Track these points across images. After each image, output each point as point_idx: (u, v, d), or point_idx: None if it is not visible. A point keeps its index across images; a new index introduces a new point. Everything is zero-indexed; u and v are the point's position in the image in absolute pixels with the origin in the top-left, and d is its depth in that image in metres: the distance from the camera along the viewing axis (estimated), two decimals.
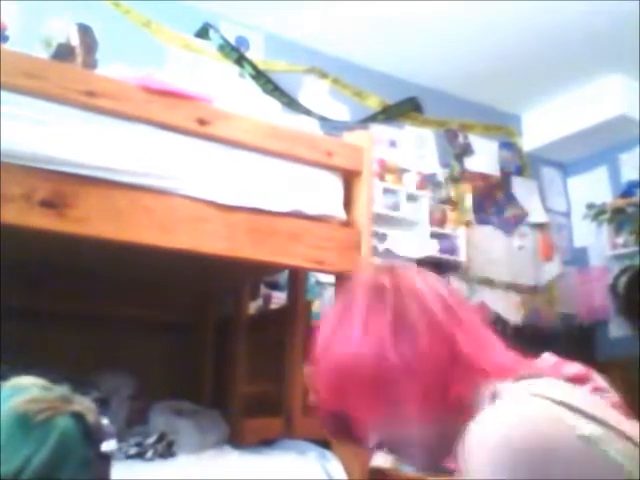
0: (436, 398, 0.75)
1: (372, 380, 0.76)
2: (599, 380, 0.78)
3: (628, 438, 0.64)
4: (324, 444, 1.66)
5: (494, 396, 0.73)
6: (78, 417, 0.88)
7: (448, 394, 0.75)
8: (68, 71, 1.40)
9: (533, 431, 0.64)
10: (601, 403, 0.72)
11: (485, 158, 3.82)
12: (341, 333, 0.80)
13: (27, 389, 0.89)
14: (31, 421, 0.83)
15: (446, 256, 3.38)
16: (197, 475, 1.49)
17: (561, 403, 0.66)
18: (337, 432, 0.89)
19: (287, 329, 2.12)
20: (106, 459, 0.91)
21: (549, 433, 0.63)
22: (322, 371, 0.81)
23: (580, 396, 0.70)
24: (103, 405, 1.76)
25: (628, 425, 0.67)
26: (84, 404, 0.91)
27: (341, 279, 1.70)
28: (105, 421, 0.94)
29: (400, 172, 3.43)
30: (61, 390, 0.91)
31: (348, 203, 1.69)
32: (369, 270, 0.90)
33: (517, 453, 0.62)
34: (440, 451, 0.80)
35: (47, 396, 0.88)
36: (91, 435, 0.88)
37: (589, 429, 0.63)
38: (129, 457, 1.61)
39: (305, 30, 3.22)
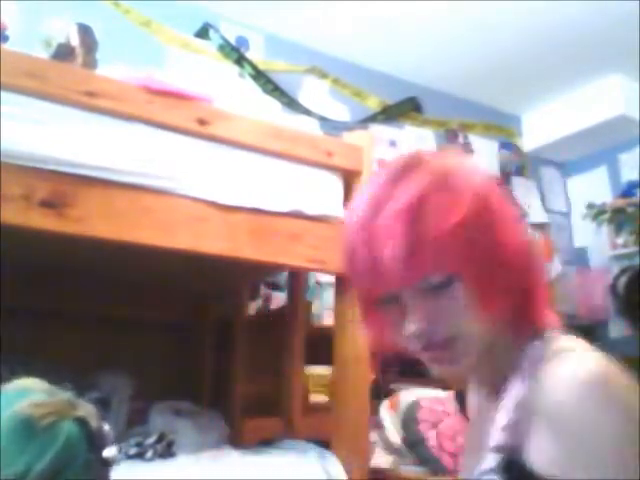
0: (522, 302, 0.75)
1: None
2: None
3: None
4: (324, 444, 1.66)
5: (545, 343, 0.74)
6: (81, 422, 0.88)
7: (522, 312, 0.75)
8: (68, 71, 1.40)
9: (624, 387, 0.65)
10: None
11: (485, 158, 3.82)
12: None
13: (32, 392, 0.89)
14: (36, 426, 0.83)
15: None
16: (197, 475, 1.49)
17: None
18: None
19: (287, 329, 2.12)
20: (107, 465, 0.92)
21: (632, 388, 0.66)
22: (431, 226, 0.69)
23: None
24: (103, 405, 1.76)
25: None
26: (87, 409, 0.91)
27: (341, 279, 1.70)
28: (106, 426, 0.94)
29: None
30: (65, 394, 0.91)
31: (348, 203, 1.69)
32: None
33: (615, 399, 0.64)
34: (480, 367, 0.77)
35: (52, 401, 0.88)
36: (93, 441, 0.89)
37: None
38: (129, 457, 1.61)
39: (305, 30, 3.22)
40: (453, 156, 0.81)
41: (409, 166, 0.75)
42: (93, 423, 0.89)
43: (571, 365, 0.68)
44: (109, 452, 0.91)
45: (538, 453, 0.66)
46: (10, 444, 0.81)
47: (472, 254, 0.70)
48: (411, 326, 0.73)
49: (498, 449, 0.70)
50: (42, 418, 0.84)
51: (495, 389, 0.78)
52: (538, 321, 0.77)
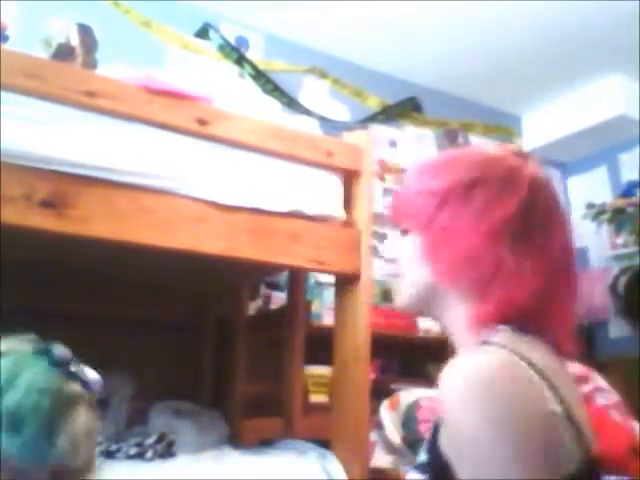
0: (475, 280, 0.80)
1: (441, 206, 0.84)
2: (599, 380, 0.79)
3: (577, 425, 0.68)
4: (324, 444, 1.66)
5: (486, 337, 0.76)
6: (33, 341, 1.02)
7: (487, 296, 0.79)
8: (68, 71, 1.40)
9: (507, 385, 0.66)
10: (573, 389, 0.75)
11: None
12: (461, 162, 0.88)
13: None
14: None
15: None
16: (197, 475, 1.49)
17: (543, 375, 0.68)
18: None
19: (287, 329, 2.12)
20: (61, 364, 1.01)
21: (525, 394, 0.66)
22: (419, 181, 0.90)
23: (559, 374, 0.73)
24: (103, 405, 1.76)
25: (584, 415, 0.72)
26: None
27: (341, 279, 1.70)
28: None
29: (400, 172, 3.43)
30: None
31: (348, 203, 1.69)
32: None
33: (492, 393, 0.65)
34: (421, 309, 0.91)
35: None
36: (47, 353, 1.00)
37: (556, 407, 0.66)
38: (129, 457, 1.61)
39: (305, 30, 3.22)
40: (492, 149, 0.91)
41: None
42: (57, 349, 1.01)
43: (468, 359, 0.71)
44: (59, 350, 1.02)
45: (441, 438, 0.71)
46: None
47: (421, 219, 0.86)
48: (384, 252, 0.98)
49: (432, 433, 0.75)
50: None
51: None
52: (501, 315, 0.78)
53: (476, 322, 0.79)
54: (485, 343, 0.74)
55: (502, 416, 0.64)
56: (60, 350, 1.02)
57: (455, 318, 0.83)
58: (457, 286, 0.83)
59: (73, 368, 1.02)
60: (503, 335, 0.75)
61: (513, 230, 0.80)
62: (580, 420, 0.69)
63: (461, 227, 0.81)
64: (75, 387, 1.00)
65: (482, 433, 0.63)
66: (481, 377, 0.66)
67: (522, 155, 0.89)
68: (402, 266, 0.92)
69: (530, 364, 0.68)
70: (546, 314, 0.80)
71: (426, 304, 0.89)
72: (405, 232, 0.91)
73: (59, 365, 0.99)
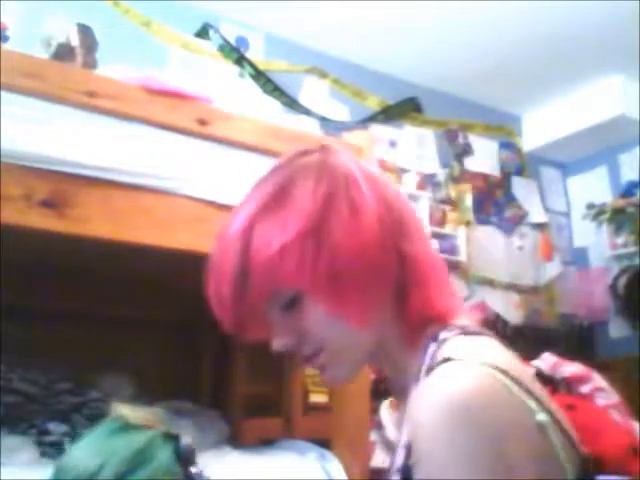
0: (384, 301, 0.72)
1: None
2: (599, 380, 0.78)
3: (563, 429, 0.63)
4: (324, 444, 1.66)
5: (439, 346, 0.69)
6: (170, 436, 1.01)
7: (405, 307, 0.72)
8: (68, 71, 1.40)
9: (493, 406, 0.59)
10: (535, 380, 0.68)
11: (485, 158, 3.82)
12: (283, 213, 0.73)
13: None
14: (123, 427, 0.97)
15: (446, 256, 3.38)
16: None
17: (518, 382, 0.62)
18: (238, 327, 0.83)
19: None
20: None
21: (510, 414, 0.60)
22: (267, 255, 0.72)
23: (525, 374, 0.67)
24: (103, 405, 1.76)
25: (560, 412, 0.66)
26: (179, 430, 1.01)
27: None
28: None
29: (400, 172, 3.44)
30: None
31: None
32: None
33: (475, 424, 0.57)
34: (360, 364, 0.77)
35: (147, 413, 1.03)
36: (182, 455, 1.00)
37: (543, 416, 0.61)
38: None
39: (305, 30, 3.22)
40: (316, 153, 0.81)
41: (261, 179, 0.81)
42: (184, 440, 0.94)
43: (439, 384, 0.61)
44: (185, 440, 1.01)
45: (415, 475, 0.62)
46: (96, 440, 0.91)
47: (305, 270, 0.69)
48: (275, 343, 0.76)
49: (399, 470, 0.66)
50: (132, 421, 0.96)
51: (399, 391, 0.75)
52: (430, 316, 0.72)
53: (412, 330, 0.72)
54: (448, 360, 0.64)
55: (487, 445, 0.57)
56: (187, 441, 1.00)
57: (395, 349, 0.74)
58: (382, 313, 0.73)
59: (193, 468, 0.99)
60: (457, 343, 0.68)
61: (386, 222, 0.72)
62: (563, 420, 0.64)
63: (353, 249, 0.69)
64: None
65: (455, 467, 0.56)
66: (457, 404, 0.58)
67: (325, 148, 0.81)
68: (320, 341, 0.73)
69: (505, 373, 0.62)
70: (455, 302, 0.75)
71: (369, 357, 0.76)
72: (291, 304, 0.73)
73: (182, 457, 0.96)
